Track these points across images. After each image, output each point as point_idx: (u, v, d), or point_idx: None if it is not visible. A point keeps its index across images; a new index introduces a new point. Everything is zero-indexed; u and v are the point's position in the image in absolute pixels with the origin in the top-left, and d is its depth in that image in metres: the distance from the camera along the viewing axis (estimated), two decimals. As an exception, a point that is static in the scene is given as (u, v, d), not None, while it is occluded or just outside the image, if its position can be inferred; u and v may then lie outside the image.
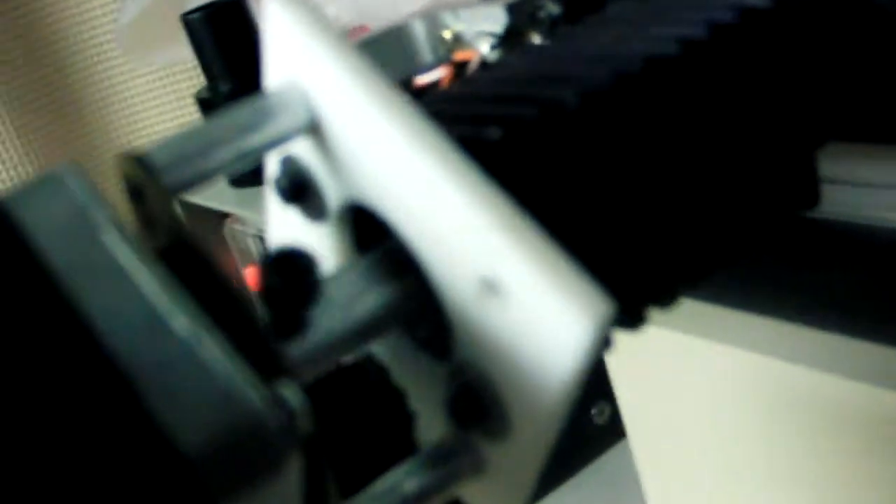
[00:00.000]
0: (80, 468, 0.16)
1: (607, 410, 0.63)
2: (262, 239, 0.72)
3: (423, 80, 0.38)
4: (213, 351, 0.17)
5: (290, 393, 0.18)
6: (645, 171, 0.23)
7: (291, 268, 0.20)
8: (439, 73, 0.37)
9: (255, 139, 0.21)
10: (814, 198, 0.28)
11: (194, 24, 0.66)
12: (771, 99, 0.26)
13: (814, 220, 0.36)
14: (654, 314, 0.25)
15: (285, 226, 0.25)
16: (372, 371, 0.24)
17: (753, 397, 0.38)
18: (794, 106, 0.27)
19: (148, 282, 0.18)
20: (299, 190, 0.24)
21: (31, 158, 0.96)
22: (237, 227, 0.75)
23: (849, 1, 0.28)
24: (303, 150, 0.23)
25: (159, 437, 0.16)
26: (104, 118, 1.02)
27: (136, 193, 0.21)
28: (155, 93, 1.00)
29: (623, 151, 0.23)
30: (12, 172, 0.95)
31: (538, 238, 0.18)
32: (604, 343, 0.19)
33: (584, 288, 0.18)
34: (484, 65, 0.37)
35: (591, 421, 0.65)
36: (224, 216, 0.74)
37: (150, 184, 0.20)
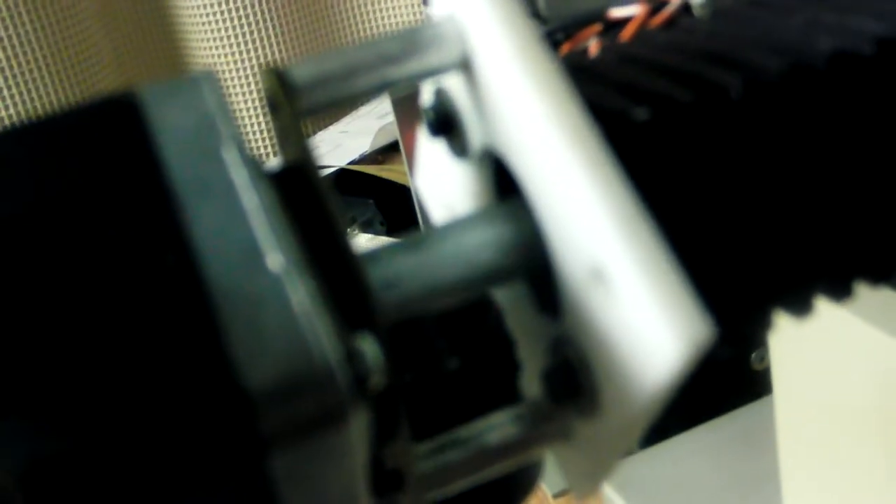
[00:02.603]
0: (141, 384, 0.16)
1: (768, 358, 0.61)
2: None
3: (618, 13, 0.36)
4: (301, 293, 0.17)
5: (370, 348, 0.17)
6: (804, 183, 0.21)
7: None
8: (635, 9, 0.35)
9: (400, 70, 0.21)
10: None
11: None
12: None
13: None
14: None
15: (431, 155, 0.25)
16: (488, 313, 0.24)
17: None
18: None
19: (255, 209, 0.18)
20: (446, 124, 0.23)
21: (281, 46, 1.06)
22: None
23: None
24: (454, 85, 0.22)
25: (225, 367, 0.16)
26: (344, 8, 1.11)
27: (273, 107, 0.20)
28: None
29: (785, 157, 0.21)
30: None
31: (653, 242, 0.18)
32: (701, 360, 0.18)
33: (686, 310, 0.17)
34: (675, 20, 0.35)
35: (749, 364, 0.64)
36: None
37: (284, 101, 0.20)
